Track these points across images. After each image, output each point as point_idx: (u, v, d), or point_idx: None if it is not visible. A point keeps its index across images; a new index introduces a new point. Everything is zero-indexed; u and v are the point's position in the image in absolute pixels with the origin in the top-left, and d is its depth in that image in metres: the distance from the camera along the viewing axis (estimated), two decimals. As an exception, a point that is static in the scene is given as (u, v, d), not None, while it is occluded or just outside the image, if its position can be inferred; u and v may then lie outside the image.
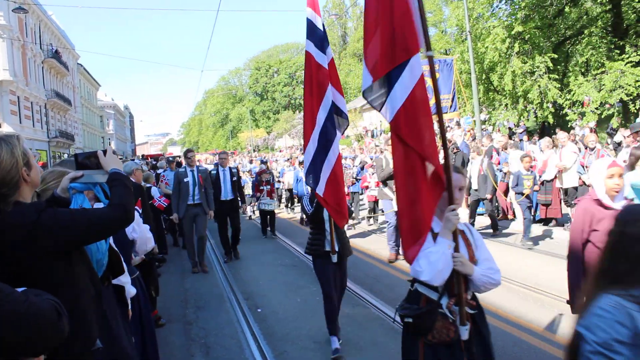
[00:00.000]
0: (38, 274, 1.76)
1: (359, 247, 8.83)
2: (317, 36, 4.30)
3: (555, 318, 4.93)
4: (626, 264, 1.55)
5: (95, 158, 2.13)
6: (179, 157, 18.71)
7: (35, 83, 36.92)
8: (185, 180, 7.90)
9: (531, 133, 21.53)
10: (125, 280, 2.80)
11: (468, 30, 16.34)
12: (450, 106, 13.96)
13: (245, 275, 7.80)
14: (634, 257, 1.55)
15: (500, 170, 10.02)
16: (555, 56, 19.44)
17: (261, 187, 11.49)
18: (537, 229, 9.25)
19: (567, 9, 20.02)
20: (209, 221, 8.25)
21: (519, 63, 18.95)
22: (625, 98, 16.81)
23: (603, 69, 17.68)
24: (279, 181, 16.17)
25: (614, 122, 17.96)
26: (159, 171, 12.98)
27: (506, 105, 21.15)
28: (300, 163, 12.13)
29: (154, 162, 20.15)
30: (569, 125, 19.41)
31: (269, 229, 11.28)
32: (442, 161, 2.35)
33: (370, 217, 11.79)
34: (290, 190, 15.15)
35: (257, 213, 11.94)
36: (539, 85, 18.89)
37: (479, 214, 10.26)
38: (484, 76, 21.25)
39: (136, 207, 4.75)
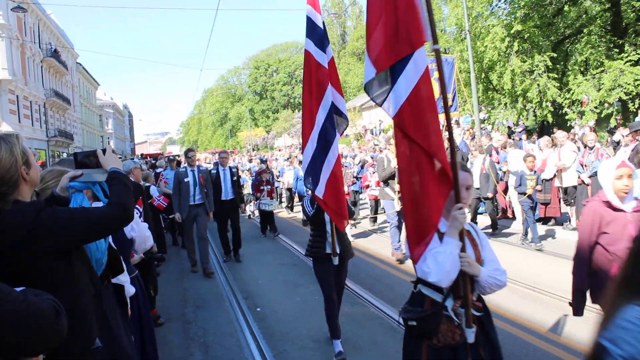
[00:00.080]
0: (38, 274, 1.76)
1: (359, 247, 8.83)
2: (317, 34, 4.23)
3: (560, 319, 4.86)
4: None
5: (95, 157, 2.13)
6: (179, 156, 18.68)
7: (34, 82, 36.87)
8: (185, 180, 7.80)
9: (530, 132, 21.56)
10: (124, 279, 2.80)
11: (467, 29, 16.33)
12: (451, 106, 13.96)
13: (245, 275, 7.80)
14: None
15: (500, 169, 10.02)
16: (555, 55, 19.43)
17: (261, 187, 11.47)
18: (539, 229, 9.19)
19: (566, 7, 20.02)
20: (208, 221, 8.18)
21: (518, 62, 18.95)
22: (624, 97, 16.82)
23: (602, 68, 17.69)
24: (278, 180, 16.15)
25: (612, 121, 17.98)
26: (158, 170, 12.97)
27: (505, 104, 21.15)
28: (300, 162, 12.10)
29: (153, 161, 20.14)
30: (568, 125, 19.43)
31: (268, 229, 11.25)
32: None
33: (373, 219, 11.68)
34: (290, 190, 15.14)
35: (257, 213, 11.88)
36: (538, 84, 18.90)
37: (479, 213, 10.26)
38: (483, 75, 21.25)
39: (137, 206, 4.76)
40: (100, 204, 2.09)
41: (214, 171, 8.66)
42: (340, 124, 4.39)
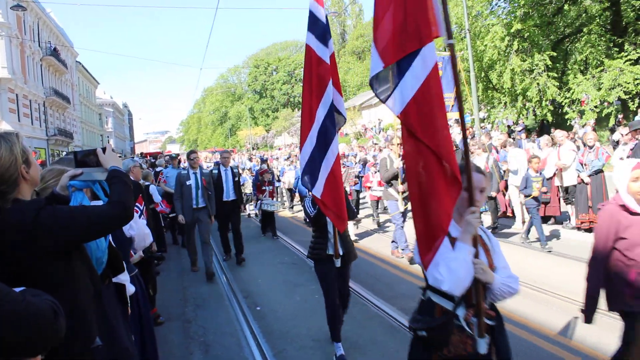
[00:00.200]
0: (38, 274, 1.75)
1: (359, 246, 8.82)
2: (319, 28, 4.08)
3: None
4: None
5: (95, 156, 2.13)
6: (179, 154, 18.71)
7: (34, 81, 36.84)
8: (187, 183, 7.63)
9: (530, 131, 21.57)
10: (124, 278, 2.80)
11: (467, 28, 16.33)
12: (452, 105, 13.89)
13: (245, 274, 7.80)
14: None
15: (500, 168, 10.02)
16: (554, 54, 19.45)
17: (263, 188, 11.43)
18: (551, 231, 9.12)
19: (566, 6, 20.04)
20: (210, 225, 7.94)
21: (518, 61, 18.97)
22: (624, 96, 16.83)
23: (602, 67, 17.70)
24: (279, 180, 16.11)
25: (611, 120, 18.00)
26: (158, 169, 12.96)
27: (505, 103, 21.18)
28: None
29: (152, 160, 20.12)
30: (568, 124, 19.44)
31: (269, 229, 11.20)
32: (461, 160, 2.18)
33: (376, 219, 11.58)
34: (290, 190, 15.10)
35: (259, 213, 11.80)
36: (537, 83, 18.91)
37: (481, 212, 10.24)
38: (482, 74, 21.25)
39: (137, 204, 4.75)
40: (99, 203, 2.08)
41: (215, 171, 8.54)
42: (338, 122, 4.25)
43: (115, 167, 2.07)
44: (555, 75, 19.32)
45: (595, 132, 11.14)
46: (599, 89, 17.26)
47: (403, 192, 7.51)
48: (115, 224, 1.97)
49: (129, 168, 6.32)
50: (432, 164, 2.14)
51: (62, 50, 43.96)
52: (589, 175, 8.37)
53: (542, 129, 21.32)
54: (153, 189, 8.61)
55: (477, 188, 2.22)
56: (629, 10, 18.62)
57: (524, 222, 9.63)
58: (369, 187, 11.53)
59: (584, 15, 19.73)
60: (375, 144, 24.77)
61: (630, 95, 16.88)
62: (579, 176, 8.62)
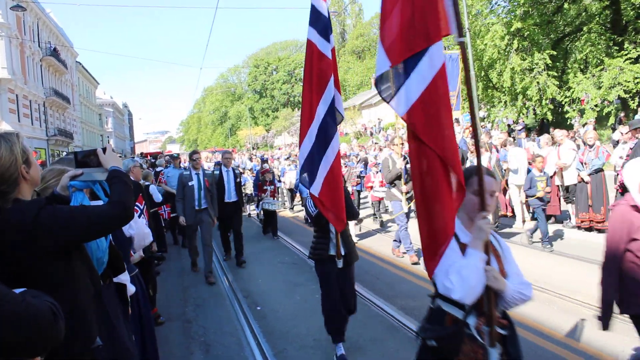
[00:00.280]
0: (38, 274, 1.76)
1: (361, 246, 8.81)
2: (321, 23, 3.98)
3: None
4: None
5: (95, 156, 2.13)
6: (179, 154, 18.71)
7: (34, 81, 36.85)
8: (190, 184, 7.48)
9: (530, 130, 21.57)
10: (124, 278, 2.80)
11: (467, 27, 16.32)
12: (454, 104, 13.91)
13: (245, 274, 7.80)
14: None
15: (501, 168, 10.02)
16: (554, 53, 19.44)
17: (264, 187, 11.43)
18: (550, 230, 9.08)
19: (566, 5, 20.04)
20: (213, 226, 7.81)
21: (518, 60, 18.96)
22: (624, 95, 16.83)
23: (602, 66, 17.70)
24: (279, 180, 16.07)
25: (611, 119, 18.01)
26: (158, 169, 12.96)
27: (505, 102, 21.17)
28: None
29: (152, 160, 20.12)
30: (568, 123, 19.44)
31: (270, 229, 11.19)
32: (474, 162, 2.11)
33: (379, 219, 11.53)
34: (291, 190, 15.09)
35: (262, 213, 11.78)
36: (537, 82, 18.91)
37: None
38: (482, 73, 21.25)
39: (137, 203, 4.76)
40: (100, 203, 2.09)
41: (216, 172, 8.46)
42: (337, 119, 4.11)
43: (116, 167, 2.08)
44: (555, 74, 19.32)
45: (596, 131, 11.14)
46: (599, 88, 17.27)
47: (407, 193, 7.47)
48: (115, 224, 1.97)
49: (129, 168, 6.32)
50: (437, 167, 2.07)
51: (62, 51, 43.97)
52: (589, 174, 8.36)
53: (542, 128, 21.33)
54: (153, 189, 8.61)
55: (487, 191, 2.14)
56: (628, 8, 18.62)
57: (524, 222, 9.65)
58: (371, 188, 11.45)
59: (583, 13, 19.74)
60: (376, 143, 24.76)
61: (631, 94, 16.88)
62: (579, 175, 8.63)
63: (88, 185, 2.16)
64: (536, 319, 4.90)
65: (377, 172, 10.80)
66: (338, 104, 4.07)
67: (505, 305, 2.15)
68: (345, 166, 11.38)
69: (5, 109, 31.28)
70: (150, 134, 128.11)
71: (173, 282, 7.49)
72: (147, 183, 8.18)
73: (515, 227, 9.63)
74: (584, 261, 6.89)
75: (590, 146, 8.59)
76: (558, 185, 9.47)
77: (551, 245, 7.82)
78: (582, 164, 8.64)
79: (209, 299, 6.52)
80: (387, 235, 10.05)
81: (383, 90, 2.23)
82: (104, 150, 2.16)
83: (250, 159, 21.68)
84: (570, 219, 9.32)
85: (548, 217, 9.67)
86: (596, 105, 17.59)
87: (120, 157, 2.43)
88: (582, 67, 19.83)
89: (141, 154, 37.44)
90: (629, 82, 16.35)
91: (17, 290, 1.41)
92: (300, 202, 14.49)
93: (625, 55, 17.08)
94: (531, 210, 9.41)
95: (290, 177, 14.61)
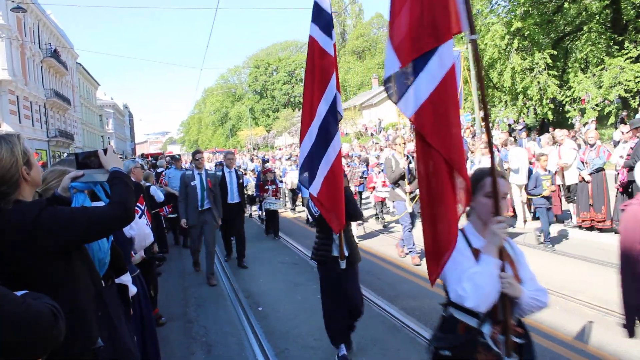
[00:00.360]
0: (38, 274, 1.76)
1: (363, 247, 8.80)
2: (323, 19, 3.93)
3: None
4: None
5: (96, 157, 2.13)
6: (180, 155, 18.70)
7: (35, 83, 36.88)
8: (192, 184, 7.32)
9: (530, 130, 21.55)
10: (126, 279, 2.80)
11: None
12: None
13: (246, 274, 7.80)
14: None
15: (503, 168, 10.02)
16: (555, 52, 19.44)
17: (266, 187, 11.43)
18: (552, 229, 9.08)
19: (566, 5, 20.03)
20: (216, 228, 7.70)
21: (518, 59, 18.96)
22: (625, 94, 16.82)
23: (602, 65, 17.69)
24: (280, 181, 16.05)
25: (612, 119, 17.99)
26: (159, 170, 12.97)
27: (505, 102, 21.16)
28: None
29: (153, 161, 20.13)
30: (569, 122, 19.43)
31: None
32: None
33: (382, 220, 11.52)
34: (293, 191, 15.09)
35: (263, 214, 11.77)
36: (538, 82, 18.91)
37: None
38: (483, 73, 21.21)
39: (138, 204, 4.75)
40: (100, 204, 2.09)
41: (219, 173, 8.36)
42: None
43: (117, 168, 2.08)
44: (556, 73, 19.32)
45: (597, 130, 11.14)
46: (600, 87, 17.26)
47: (410, 193, 7.43)
48: (116, 225, 1.97)
49: (130, 169, 6.32)
50: (443, 171, 2.02)
51: (62, 52, 44.01)
52: (590, 174, 8.36)
53: (542, 127, 21.31)
54: (154, 189, 8.61)
55: (500, 194, 2.05)
56: (629, 8, 18.62)
57: (525, 221, 9.64)
58: (373, 188, 11.40)
59: (584, 13, 19.73)
60: (376, 143, 24.75)
61: (631, 93, 16.87)
62: (580, 174, 8.62)
63: (89, 186, 2.16)
64: (537, 319, 4.87)
65: (379, 172, 10.76)
66: (337, 104, 4.01)
67: (520, 313, 2.09)
68: (348, 166, 11.37)
69: (5, 111, 31.32)
70: (151, 134, 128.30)
71: (174, 283, 7.49)
72: (148, 184, 8.18)
73: (517, 227, 9.61)
74: (585, 261, 6.88)
75: (591, 145, 8.58)
76: (559, 185, 9.47)
77: (552, 245, 7.81)
78: (583, 163, 8.63)
79: (210, 299, 6.52)
80: (389, 236, 10.04)
81: (391, 91, 2.16)
82: (105, 151, 2.16)
83: (252, 160, 21.66)
84: (571, 218, 9.32)
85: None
86: (597, 105, 17.58)
87: (121, 158, 2.43)
88: (582, 66, 19.83)
89: (142, 154, 37.45)
90: (629, 81, 16.35)
91: (19, 293, 1.42)
92: (302, 203, 14.50)
93: (626, 54, 17.08)
94: (532, 210, 9.43)
95: (291, 177, 14.60)
